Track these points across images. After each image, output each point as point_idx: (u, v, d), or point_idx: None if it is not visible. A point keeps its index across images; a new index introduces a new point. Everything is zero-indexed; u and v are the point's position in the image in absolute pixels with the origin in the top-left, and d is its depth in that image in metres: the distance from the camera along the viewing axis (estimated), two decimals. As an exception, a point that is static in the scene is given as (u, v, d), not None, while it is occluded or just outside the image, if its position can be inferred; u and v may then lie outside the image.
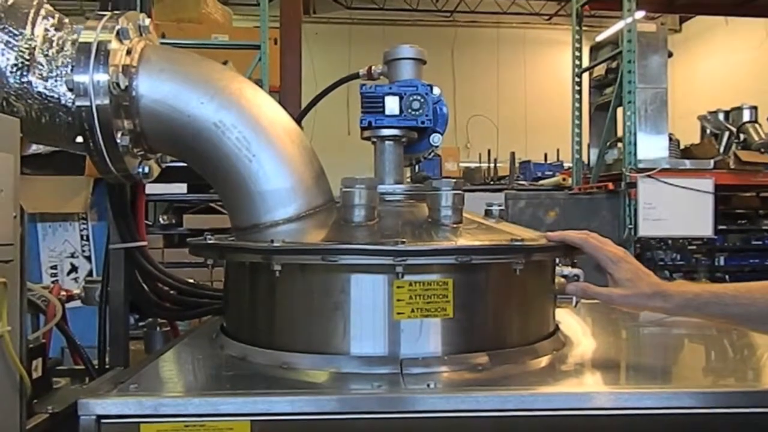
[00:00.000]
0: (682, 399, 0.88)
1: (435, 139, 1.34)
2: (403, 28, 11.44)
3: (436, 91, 1.32)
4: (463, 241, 1.01)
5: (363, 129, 1.27)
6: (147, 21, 1.29)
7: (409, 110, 1.25)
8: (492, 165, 8.48)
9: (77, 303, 1.77)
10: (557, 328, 1.21)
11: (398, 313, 0.98)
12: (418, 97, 1.25)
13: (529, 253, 0.99)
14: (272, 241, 0.97)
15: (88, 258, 3.75)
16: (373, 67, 1.52)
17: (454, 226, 1.08)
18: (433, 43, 11.43)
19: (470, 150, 10.00)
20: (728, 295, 1.01)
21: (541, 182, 7.13)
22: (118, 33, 1.18)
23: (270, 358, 1.02)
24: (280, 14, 5.45)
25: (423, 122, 1.26)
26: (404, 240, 0.94)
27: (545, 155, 8.80)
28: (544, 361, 1.06)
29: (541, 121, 11.16)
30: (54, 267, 3.75)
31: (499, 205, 1.33)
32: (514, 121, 11.28)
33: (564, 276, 1.24)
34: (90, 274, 3.76)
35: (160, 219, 3.83)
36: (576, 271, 1.24)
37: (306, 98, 5.88)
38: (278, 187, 1.20)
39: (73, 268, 3.75)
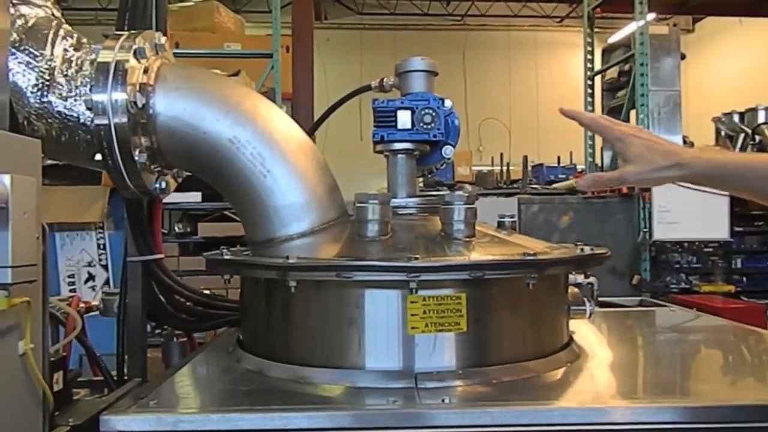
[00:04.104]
0: (701, 414, 0.88)
1: (447, 151, 1.35)
2: (413, 33, 11.46)
3: (448, 103, 1.33)
4: (475, 256, 1.01)
5: (376, 143, 1.29)
6: (163, 39, 1.32)
7: (422, 124, 1.26)
8: (505, 168, 8.45)
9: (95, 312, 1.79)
10: (571, 340, 1.21)
11: (412, 328, 0.99)
12: (430, 111, 1.26)
13: (542, 268, 1.00)
14: (287, 258, 0.98)
15: (105, 267, 3.80)
16: (384, 79, 1.53)
17: (467, 239, 1.09)
18: (444, 47, 11.44)
19: (482, 153, 9.98)
20: (753, 165, 0.96)
21: (554, 185, 7.08)
22: (135, 52, 1.21)
23: (286, 372, 1.04)
24: (293, 22, 5.50)
25: (435, 136, 1.27)
26: (417, 256, 0.95)
27: (558, 158, 8.76)
28: (559, 373, 1.06)
29: (554, 123, 11.08)
30: (71, 276, 3.80)
31: (511, 217, 1.34)
32: (527, 124, 11.24)
33: (578, 284, 1.25)
34: (107, 282, 3.82)
35: (176, 228, 3.87)
36: (590, 279, 1.25)
37: (317, 104, 5.92)
38: (293, 201, 1.21)
39: (90, 277, 3.80)
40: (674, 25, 7.28)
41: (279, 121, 1.28)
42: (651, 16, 5.16)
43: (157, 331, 1.73)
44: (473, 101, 11.04)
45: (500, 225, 1.32)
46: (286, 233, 1.20)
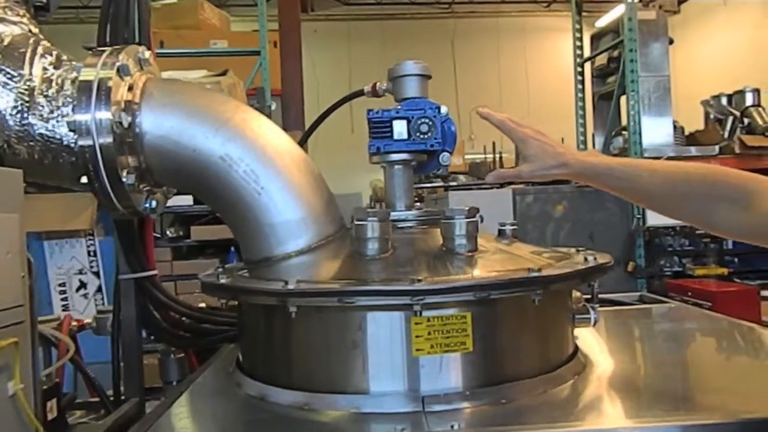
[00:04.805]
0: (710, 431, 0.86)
1: (444, 158, 1.31)
2: (401, 22, 11.35)
3: (444, 110, 1.29)
4: (479, 273, 0.98)
5: (372, 155, 1.25)
6: (147, 54, 1.27)
7: (418, 134, 1.23)
8: (498, 157, 8.43)
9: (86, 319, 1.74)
10: (576, 349, 1.19)
11: (417, 350, 0.96)
12: (426, 120, 1.23)
13: (547, 284, 0.97)
14: (286, 282, 0.95)
15: (97, 274, 3.74)
16: (377, 84, 1.50)
17: (469, 254, 1.06)
18: (432, 35, 11.36)
19: (474, 142, 9.94)
20: (619, 170, 1.10)
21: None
22: (118, 70, 1.16)
23: (289, 398, 1.01)
24: (279, 18, 5.40)
25: (432, 145, 1.23)
26: (420, 278, 0.92)
27: (549, 145, 8.75)
28: (566, 389, 1.04)
29: (544, 109, 11.07)
30: (62, 284, 3.74)
31: (512, 225, 1.31)
32: (518, 111, 11.19)
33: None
34: (99, 290, 3.77)
35: (168, 232, 3.82)
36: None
37: (308, 98, 5.85)
38: (289, 218, 1.18)
39: (82, 285, 3.75)
40: (660, 7, 7.23)
41: (271, 135, 1.24)
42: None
43: (152, 336, 1.69)
44: (463, 89, 10.98)
45: (501, 233, 1.29)
46: (284, 251, 1.17)
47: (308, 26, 8.93)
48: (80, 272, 3.80)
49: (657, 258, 4.96)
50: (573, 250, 1.26)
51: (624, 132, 5.23)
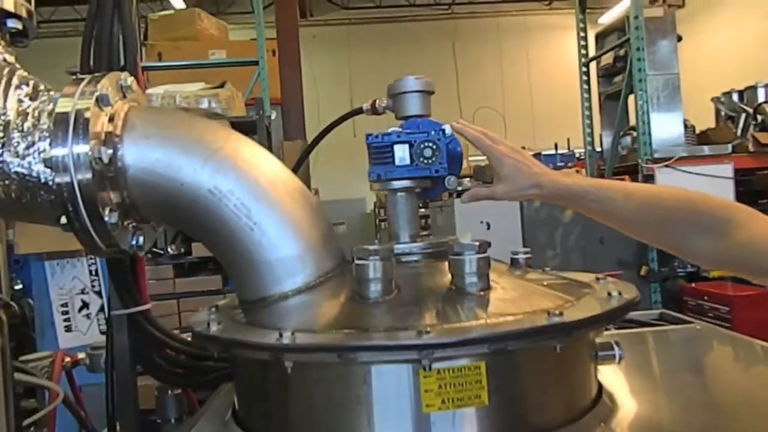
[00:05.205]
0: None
1: (450, 182, 1.22)
2: (401, 25, 11.28)
3: (448, 130, 1.21)
4: (494, 319, 0.89)
5: (372, 182, 1.16)
6: (130, 81, 1.19)
7: (421, 159, 1.14)
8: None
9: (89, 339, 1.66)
10: (600, 389, 1.09)
11: (427, 405, 0.87)
12: (430, 144, 1.14)
13: (570, 331, 0.88)
14: (280, 334, 0.86)
15: (99, 293, 3.67)
16: (377, 101, 1.41)
17: (481, 293, 0.97)
18: (433, 37, 11.28)
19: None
20: (593, 193, 1.08)
21: (554, 175, 6.95)
22: (97, 99, 1.08)
23: (288, 457, 0.92)
24: (277, 26, 5.34)
25: (437, 171, 1.14)
26: (428, 327, 0.83)
27: (555, 144, 8.63)
28: (592, 440, 0.94)
29: (548, 108, 10.98)
30: (65, 305, 3.67)
31: (525, 253, 1.22)
32: (521, 111, 11.09)
33: None
34: (102, 309, 3.70)
35: (169, 249, 3.75)
36: None
37: (307, 104, 5.77)
38: (285, 255, 1.09)
39: (84, 305, 3.67)
40: (664, 2, 7.11)
41: (264, 164, 1.15)
42: (641, -5, 4.99)
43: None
44: (466, 91, 10.90)
45: (513, 262, 1.20)
46: (280, 290, 1.08)
47: (307, 32, 8.87)
48: (82, 292, 3.73)
49: (670, 260, 4.85)
50: (592, 277, 1.17)
51: (632, 132, 5.12)
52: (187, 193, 1.10)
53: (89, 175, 1.05)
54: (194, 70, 4.71)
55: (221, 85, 3.68)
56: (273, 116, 4.60)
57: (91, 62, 1.35)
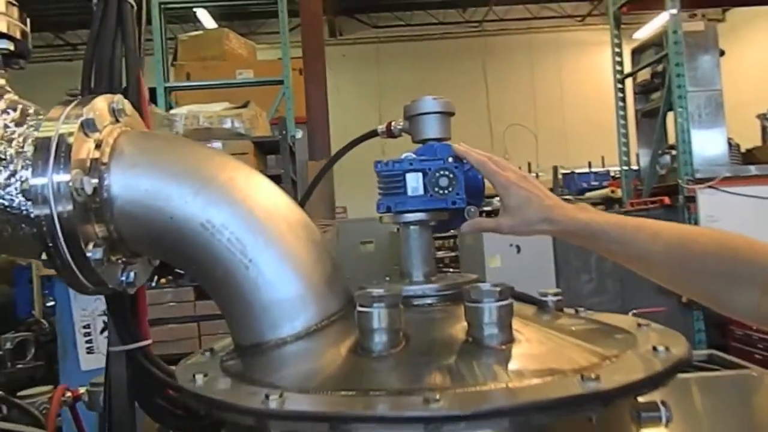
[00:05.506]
0: None
1: (471, 213, 1.09)
2: (431, 42, 11.23)
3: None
4: (517, 381, 0.75)
5: (381, 215, 1.05)
6: (123, 103, 1.10)
7: (436, 189, 1.02)
8: (533, 177, 8.12)
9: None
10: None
11: (437, 483, 0.74)
12: (446, 173, 1.02)
13: (609, 400, 0.73)
14: (267, 397, 0.74)
15: (121, 315, 3.64)
16: (393, 123, 1.30)
17: (501, 348, 0.83)
18: (463, 54, 11.19)
19: (509, 162, 9.67)
20: (616, 231, 0.96)
21: (588, 194, 6.73)
22: (82, 124, 0.99)
23: None
24: (302, 45, 5.32)
25: (454, 202, 1.02)
26: (437, 394, 0.70)
27: (589, 163, 8.38)
28: None
29: (581, 126, 10.74)
30: (87, 326, 3.65)
31: (555, 294, 1.08)
32: (554, 128, 10.86)
33: None
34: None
35: (190, 270, 3.70)
36: None
37: (334, 123, 5.70)
38: (283, 296, 0.98)
39: (106, 327, 3.65)
40: (703, 16, 6.86)
41: (262, 195, 1.05)
42: (673, 11, 4.79)
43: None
44: (496, 108, 10.75)
45: (541, 306, 1.06)
46: (278, 336, 0.97)
47: (336, 50, 8.89)
48: (104, 313, 3.69)
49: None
50: (633, 322, 1.02)
51: (672, 150, 4.89)
52: (177, 227, 1.00)
53: (70, 207, 0.96)
54: (221, 90, 4.72)
55: (245, 105, 3.64)
56: (299, 135, 4.55)
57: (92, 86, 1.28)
